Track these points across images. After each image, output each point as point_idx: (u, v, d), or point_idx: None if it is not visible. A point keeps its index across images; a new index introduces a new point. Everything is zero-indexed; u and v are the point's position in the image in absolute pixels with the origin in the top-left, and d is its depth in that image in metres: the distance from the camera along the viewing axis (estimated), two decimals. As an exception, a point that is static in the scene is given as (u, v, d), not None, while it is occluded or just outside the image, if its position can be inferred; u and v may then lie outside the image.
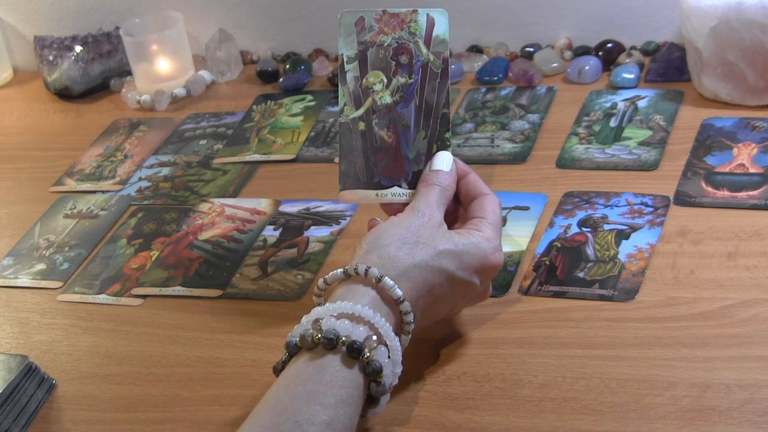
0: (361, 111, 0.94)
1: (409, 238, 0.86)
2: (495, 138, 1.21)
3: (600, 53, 1.32)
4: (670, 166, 1.10)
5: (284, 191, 1.19)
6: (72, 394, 0.94)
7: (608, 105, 1.23)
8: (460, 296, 0.88)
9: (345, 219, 1.12)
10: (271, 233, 1.12)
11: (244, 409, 0.86)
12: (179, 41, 1.45)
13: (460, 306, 0.91)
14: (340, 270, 0.84)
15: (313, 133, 1.30)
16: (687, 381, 0.83)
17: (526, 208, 1.07)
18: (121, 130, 1.40)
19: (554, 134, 1.19)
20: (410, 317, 0.83)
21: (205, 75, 1.47)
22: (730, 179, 1.05)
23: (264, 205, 1.17)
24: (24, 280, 1.12)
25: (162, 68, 1.45)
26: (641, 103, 1.21)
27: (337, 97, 0.95)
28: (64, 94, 1.50)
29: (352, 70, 0.94)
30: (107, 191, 1.27)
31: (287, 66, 1.44)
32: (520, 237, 1.03)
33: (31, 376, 0.93)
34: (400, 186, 0.93)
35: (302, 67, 1.42)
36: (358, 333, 0.79)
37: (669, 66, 1.26)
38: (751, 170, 1.06)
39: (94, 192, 1.27)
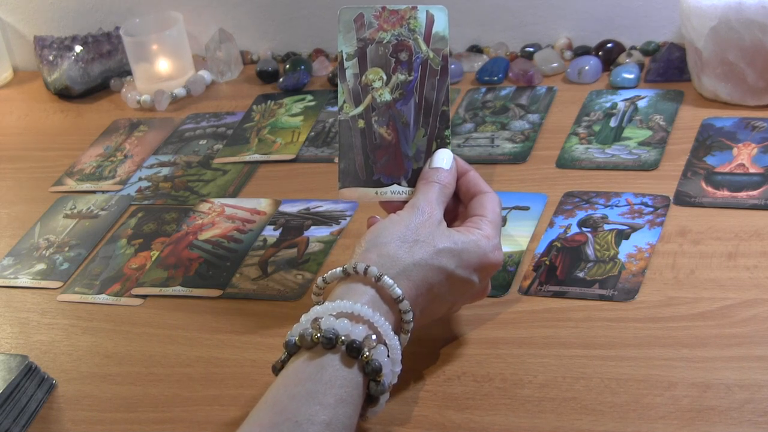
0: (360, 108, 0.94)
1: (409, 236, 0.86)
2: (495, 138, 1.21)
3: (600, 53, 1.32)
4: (670, 166, 1.10)
5: (284, 191, 1.19)
6: (72, 394, 0.94)
7: (608, 105, 1.23)
8: (460, 294, 0.88)
9: (345, 219, 1.12)
10: (271, 233, 1.12)
11: (244, 409, 0.86)
12: (179, 41, 1.45)
13: (459, 304, 0.91)
14: (339, 269, 0.84)
15: (313, 133, 1.29)
16: (687, 381, 0.83)
17: (526, 208, 1.07)
18: (121, 130, 1.40)
19: (554, 134, 1.19)
20: (409, 316, 0.83)
21: (205, 75, 1.47)
22: (730, 179, 1.05)
23: (264, 205, 1.17)
24: (24, 280, 1.12)
25: (162, 68, 1.45)
26: (641, 103, 1.21)
27: (337, 96, 0.95)
28: (64, 94, 1.50)
29: (351, 68, 0.94)
30: (107, 191, 1.27)
31: (287, 66, 1.44)
32: (520, 237, 1.03)
33: (31, 376, 0.93)
34: (399, 184, 0.93)
35: (302, 67, 1.42)
36: (358, 332, 0.79)
37: (669, 66, 1.26)
38: (751, 170, 1.06)
39: (94, 192, 1.27)
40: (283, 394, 0.77)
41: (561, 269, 0.98)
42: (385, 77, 0.93)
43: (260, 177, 1.24)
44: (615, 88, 1.26)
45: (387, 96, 0.93)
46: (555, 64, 1.33)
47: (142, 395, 0.93)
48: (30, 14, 1.58)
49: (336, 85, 1.10)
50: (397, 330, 0.83)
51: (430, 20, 0.94)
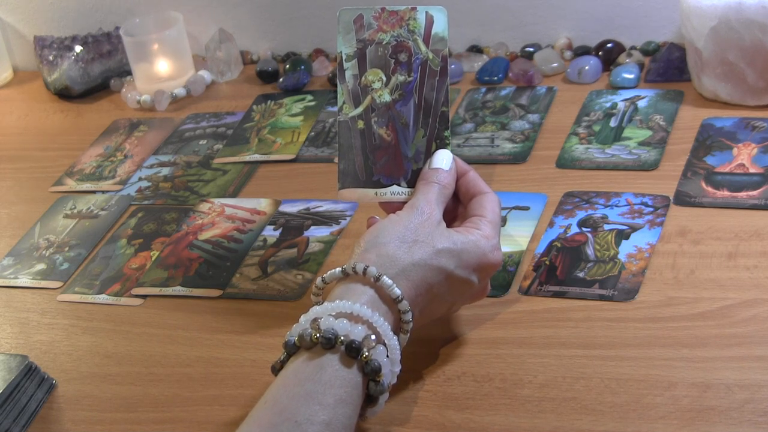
0: (360, 109, 0.94)
1: (408, 236, 0.86)
2: (495, 138, 1.21)
3: (600, 53, 1.32)
4: (670, 166, 1.10)
5: (284, 191, 1.19)
6: (72, 394, 0.94)
7: (608, 105, 1.23)
8: (459, 294, 0.88)
9: (345, 219, 1.12)
10: (271, 233, 1.12)
11: (244, 409, 0.86)
12: (179, 41, 1.45)
13: (458, 304, 0.91)
14: (338, 269, 0.84)
15: (313, 133, 1.29)
16: (687, 381, 0.83)
17: (526, 208, 1.07)
18: (121, 130, 1.40)
19: (554, 134, 1.19)
20: (409, 316, 0.83)
21: (205, 75, 1.47)
22: (730, 179, 1.05)
23: (264, 205, 1.17)
24: (24, 280, 1.12)
25: (162, 68, 1.45)
26: (641, 103, 1.21)
27: (337, 97, 0.95)
28: (64, 94, 1.50)
29: (350, 68, 0.94)
30: (107, 191, 1.27)
31: (287, 66, 1.44)
32: (520, 237, 1.03)
33: (31, 376, 0.93)
34: (399, 184, 0.93)
35: (302, 67, 1.42)
36: (357, 332, 0.79)
37: (669, 66, 1.26)
38: (751, 170, 1.06)
39: (94, 192, 1.27)
40: (283, 394, 0.77)
41: (561, 269, 0.98)
42: (384, 78, 0.93)
43: (260, 177, 1.24)
44: (615, 88, 1.26)
45: (386, 97, 0.93)
46: (555, 64, 1.33)
47: (142, 395, 0.93)
48: (30, 14, 1.58)
49: (336, 86, 1.10)
50: (397, 330, 0.83)
51: (430, 21, 0.94)
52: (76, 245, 1.17)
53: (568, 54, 1.35)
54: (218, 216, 1.17)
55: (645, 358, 0.86)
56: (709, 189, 1.05)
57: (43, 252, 1.16)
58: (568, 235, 1.02)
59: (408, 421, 0.84)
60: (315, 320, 0.80)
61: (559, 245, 1.01)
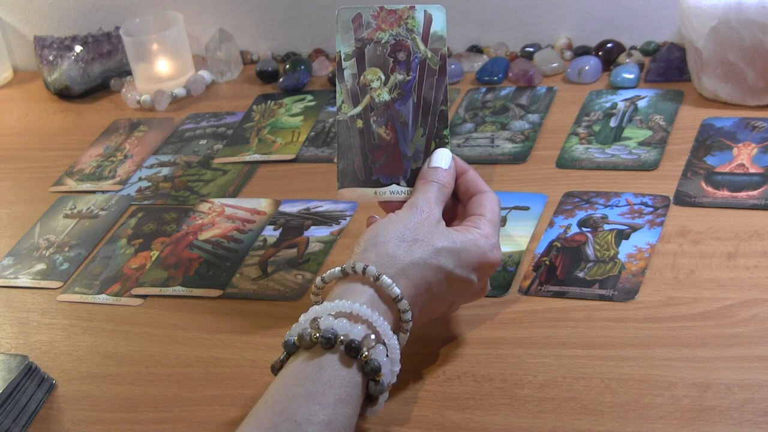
0: (359, 108, 0.94)
1: (408, 235, 0.86)
2: (495, 138, 1.21)
3: (600, 53, 1.32)
4: (670, 166, 1.10)
5: (284, 191, 1.19)
6: (72, 394, 0.94)
7: (608, 105, 1.23)
8: (458, 293, 0.88)
9: (345, 219, 1.12)
10: (271, 233, 1.12)
11: (244, 409, 0.86)
12: (179, 41, 1.45)
13: (458, 303, 0.91)
14: (338, 268, 0.84)
15: (313, 133, 1.29)
16: (687, 381, 0.83)
17: (526, 208, 1.07)
18: (121, 130, 1.40)
19: (554, 134, 1.19)
20: (408, 315, 0.83)
21: (205, 75, 1.47)
22: (730, 179, 1.05)
23: (264, 205, 1.17)
24: (24, 280, 1.12)
25: (162, 68, 1.45)
26: (641, 103, 1.21)
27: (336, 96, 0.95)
28: (64, 94, 1.50)
29: (349, 68, 0.94)
30: (107, 191, 1.27)
31: (287, 66, 1.44)
32: (520, 237, 1.03)
33: (31, 376, 0.93)
34: (398, 184, 0.93)
35: (302, 67, 1.42)
36: (357, 332, 0.79)
37: (669, 66, 1.26)
38: (751, 170, 1.06)
39: (94, 192, 1.27)
40: (283, 394, 0.76)
41: (561, 269, 0.98)
42: (383, 77, 0.93)
43: (260, 177, 1.24)
44: (615, 88, 1.26)
45: (385, 96, 0.93)
46: (555, 64, 1.33)
47: (142, 395, 0.93)
48: (30, 14, 1.58)
49: (335, 86, 1.10)
50: (396, 329, 0.83)
51: (428, 20, 0.94)
52: (76, 245, 1.17)
53: (568, 54, 1.35)
54: (218, 216, 1.17)
55: (645, 358, 0.86)
56: (709, 189, 1.05)
57: (43, 252, 1.16)
58: (568, 235, 1.02)
59: (408, 421, 0.84)
60: (315, 320, 0.80)
61: (559, 245, 1.01)
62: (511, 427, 0.82)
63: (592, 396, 0.83)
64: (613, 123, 1.19)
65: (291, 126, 1.32)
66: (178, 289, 1.06)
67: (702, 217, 1.01)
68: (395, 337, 0.81)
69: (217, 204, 1.19)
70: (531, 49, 1.37)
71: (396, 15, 0.94)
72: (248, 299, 1.03)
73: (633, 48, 1.32)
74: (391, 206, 0.92)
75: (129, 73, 1.49)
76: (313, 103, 1.36)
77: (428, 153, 0.93)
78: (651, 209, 1.03)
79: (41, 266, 1.14)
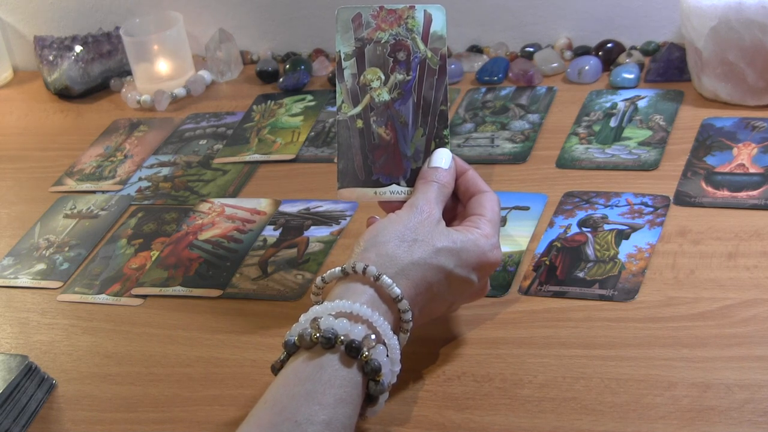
0: (358, 108, 0.94)
1: (408, 235, 0.86)
2: (495, 138, 1.21)
3: (600, 53, 1.32)
4: (670, 166, 1.10)
5: (284, 191, 1.19)
6: (72, 394, 0.94)
7: (608, 105, 1.23)
8: (458, 293, 0.88)
9: (345, 219, 1.12)
10: (271, 233, 1.12)
11: (244, 409, 0.86)
12: (179, 41, 1.45)
13: (458, 303, 0.91)
14: (338, 268, 0.84)
15: (313, 133, 1.29)
16: (687, 381, 0.83)
17: (526, 208, 1.07)
18: (121, 130, 1.40)
19: (554, 134, 1.19)
20: (408, 315, 0.83)
21: (205, 75, 1.47)
22: (730, 179, 1.05)
23: (264, 205, 1.17)
24: (24, 280, 1.12)
25: (162, 68, 1.45)
26: (641, 103, 1.21)
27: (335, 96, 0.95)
28: (64, 94, 1.50)
29: (349, 67, 0.94)
30: (107, 191, 1.27)
31: (287, 66, 1.44)
32: (520, 237, 1.03)
33: (31, 376, 0.93)
34: (398, 184, 0.93)
35: (302, 67, 1.42)
36: (357, 332, 0.79)
37: (669, 66, 1.26)
38: (751, 170, 1.06)
39: (94, 192, 1.27)
40: (283, 393, 0.77)
41: (561, 269, 0.98)
42: (383, 77, 0.93)
43: (260, 177, 1.24)
44: (615, 88, 1.26)
45: (385, 96, 0.93)
46: (555, 64, 1.33)
47: (142, 395, 0.93)
48: (30, 14, 1.58)
49: (335, 85, 1.10)
50: (396, 329, 0.83)
51: (428, 20, 0.94)
52: (76, 245, 1.17)
53: (568, 54, 1.35)
54: (218, 216, 1.17)
55: (645, 358, 0.86)
56: (709, 189, 1.05)
57: (43, 252, 1.16)
58: (568, 235, 1.02)
59: (408, 421, 0.84)
60: (315, 320, 0.80)
61: (559, 245, 1.01)
62: (511, 427, 0.82)
63: (592, 396, 0.83)
64: (613, 123, 1.19)
65: (291, 126, 1.32)
66: (178, 289, 1.06)
67: (702, 217, 1.01)
68: (395, 337, 0.81)
69: (217, 204, 1.19)
70: (531, 49, 1.37)
71: (396, 15, 0.94)
72: (248, 299, 1.03)
73: (633, 48, 1.32)
74: (391, 206, 0.92)
75: (129, 73, 1.49)
76: (313, 103, 1.36)
77: (428, 153, 0.93)
78: (651, 209, 1.03)
79: (41, 266, 1.14)
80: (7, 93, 1.58)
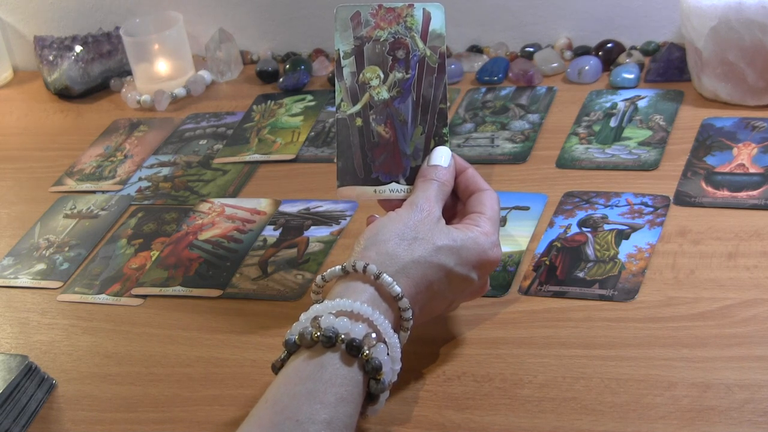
0: (358, 107, 0.94)
1: (408, 233, 0.86)
2: (495, 138, 1.21)
3: (600, 53, 1.32)
4: (670, 166, 1.10)
5: (284, 191, 1.19)
6: (72, 394, 0.94)
7: (608, 105, 1.23)
8: (459, 291, 0.88)
9: (345, 219, 1.12)
10: (271, 233, 1.12)
11: (244, 409, 0.86)
12: (179, 41, 1.45)
13: (458, 301, 0.91)
14: (338, 267, 0.84)
15: (313, 133, 1.29)
16: (687, 381, 0.83)
17: (526, 208, 1.07)
18: (121, 130, 1.40)
19: (554, 134, 1.19)
20: (409, 314, 0.83)
21: (205, 75, 1.47)
22: (730, 179, 1.05)
23: (264, 205, 1.17)
24: (24, 280, 1.12)
25: (162, 68, 1.45)
26: (641, 103, 1.21)
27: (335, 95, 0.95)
28: (64, 94, 1.50)
29: (348, 66, 0.94)
30: (107, 191, 1.27)
31: (287, 66, 1.44)
32: (520, 237, 1.03)
33: (31, 376, 0.93)
34: (397, 182, 0.93)
35: (302, 67, 1.42)
36: (357, 330, 0.79)
37: (669, 66, 1.26)
38: (751, 170, 1.06)
39: (94, 192, 1.27)
40: (284, 393, 0.76)
41: (561, 269, 0.98)
42: (382, 75, 0.93)
43: (260, 177, 1.24)
44: (615, 88, 1.26)
45: (384, 94, 0.93)
46: (555, 64, 1.33)
47: (142, 395, 0.93)
48: (30, 14, 1.58)
49: (335, 84, 1.10)
50: (397, 328, 0.83)
51: (427, 18, 0.94)
52: (76, 245, 1.17)
53: (568, 54, 1.35)
54: (218, 216, 1.17)
55: (645, 358, 0.86)
56: (709, 189, 1.05)
57: (43, 252, 1.16)
58: (568, 235, 1.02)
59: (408, 421, 0.84)
60: (315, 318, 0.80)
61: (559, 245, 1.01)
62: (511, 427, 0.82)
63: (592, 396, 0.83)
64: (613, 123, 1.19)
65: (291, 126, 1.32)
66: (178, 289, 1.06)
67: (702, 217, 1.01)
68: (396, 335, 0.81)
69: (217, 204, 1.19)
70: (531, 49, 1.37)
71: (395, 13, 0.94)
72: (248, 299, 1.03)
73: (633, 48, 1.32)
74: (391, 204, 0.92)
75: (129, 73, 1.49)
76: (313, 103, 1.36)
77: (428, 151, 0.93)
78: (651, 209, 1.03)
79: (41, 266, 1.14)
80: (7, 93, 1.58)
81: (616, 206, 1.05)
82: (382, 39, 0.94)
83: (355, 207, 1.13)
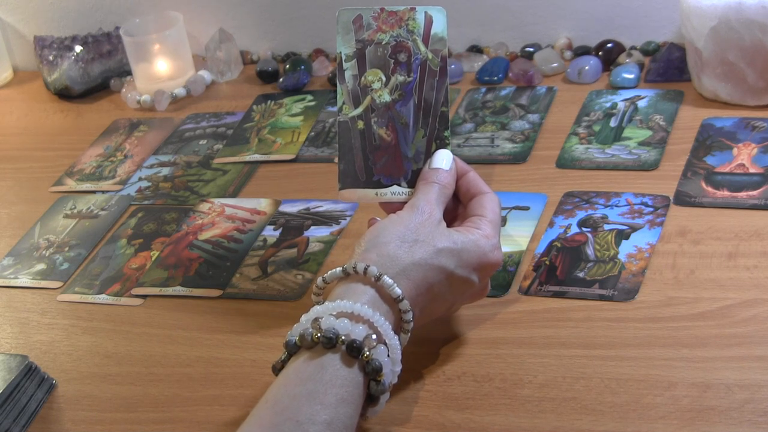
0: (359, 109, 0.94)
1: (409, 236, 0.86)
2: (495, 138, 1.21)
3: (600, 53, 1.32)
4: (670, 166, 1.10)
5: (284, 191, 1.19)
6: (72, 394, 0.94)
7: (608, 105, 1.23)
8: (459, 294, 0.88)
9: (345, 219, 1.12)
10: (271, 233, 1.12)
11: (244, 409, 0.86)
12: (179, 41, 1.45)
13: (458, 304, 0.91)
14: (339, 268, 0.84)
15: (313, 133, 1.30)
16: (687, 381, 0.83)
17: (526, 208, 1.07)
18: (121, 130, 1.40)
19: (554, 134, 1.19)
20: (409, 315, 0.83)
21: (205, 75, 1.47)
22: (730, 179, 1.05)
23: (264, 205, 1.17)
24: (24, 280, 1.12)
25: (162, 68, 1.45)
26: (641, 103, 1.21)
27: (336, 97, 0.95)
28: (64, 94, 1.50)
29: (350, 69, 0.94)
30: (107, 191, 1.27)
31: (287, 66, 1.44)
32: (520, 237, 1.03)
33: (31, 376, 0.93)
34: (399, 185, 0.93)
35: (302, 67, 1.42)
36: (358, 332, 0.79)
37: (669, 66, 1.26)
38: (751, 170, 1.06)
39: (94, 192, 1.27)
40: (284, 393, 0.77)
41: (561, 269, 0.98)
42: (384, 78, 0.93)
43: (260, 177, 1.24)
44: (615, 88, 1.26)
45: (386, 97, 0.93)
46: (555, 64, 1.33)
47: (142, 395, 0.93)
48: (30, 14, 1.58)
49: (335, 86, 1.10)
50: (397, 329, 0.83)
51: (429, 21, 0.94)
52: (76, 245, 1.17)
53: (568, 54, 1.35)
54: (218, 216, 1.17)
55: (645, 358, 0.86)
56: (709, 189, 1.05)
57: (43, 252, 1.16)
58: (568, 235, 1.02)
59: (408, 421, 0.84)
60: (316, 320, 0.80)
61: (559, 245, 1.01)
62: (511, 427, 0.82)
63: (592, 396, 0.83)
64: (613, 123, 1.19)
65: (291, 126, 1.32)
66: (178, 289, 1.06)
67: (702, 217, 1.01)
68: (396, 337, 0.81)
69: (217, 204, 1.19)
70: (531, 49, 1.37)
71: (396, 16, 0.94)
72: (248, 299, 1.03)
73: (633, 48, 1.32)
74: (392, 207, 0.92)
75: (129, 73, 1.49)
76: (313, 103, 1.36)
77: (429, 154, 0.93)
78: (651, 209, 1.03)
79: (41, 266, 1.14)
80: (7, 93, 1.58)
81: (616, 206, 1.05)
82: (384, 42, 0.94)
83: (355, 207, 1.13)
